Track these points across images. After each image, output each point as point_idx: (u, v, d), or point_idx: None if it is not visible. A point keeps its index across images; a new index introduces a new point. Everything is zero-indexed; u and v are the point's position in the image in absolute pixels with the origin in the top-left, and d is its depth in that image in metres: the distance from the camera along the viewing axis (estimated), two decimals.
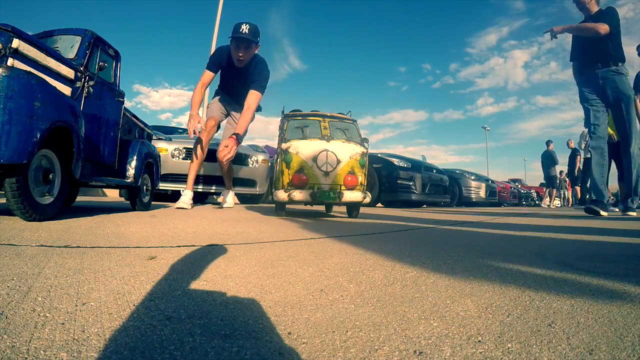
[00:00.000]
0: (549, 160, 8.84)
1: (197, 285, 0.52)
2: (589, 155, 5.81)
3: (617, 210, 3.70)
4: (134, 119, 2.64)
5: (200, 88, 2.83)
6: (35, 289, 0.46)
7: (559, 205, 9.44)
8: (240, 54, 2.61)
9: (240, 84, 2.87)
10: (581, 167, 7.32)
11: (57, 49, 1.74)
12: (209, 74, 2.85)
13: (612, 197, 7.43)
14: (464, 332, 0.37)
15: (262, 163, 3.82)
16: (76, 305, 0.41)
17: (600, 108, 2.92)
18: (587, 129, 2.99)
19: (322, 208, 3.21)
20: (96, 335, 0.33)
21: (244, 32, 2.52)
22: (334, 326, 0.38)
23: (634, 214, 2.87)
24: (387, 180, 4.79)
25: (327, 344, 0.33)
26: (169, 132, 4.38)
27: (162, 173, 3.18)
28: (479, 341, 0.35)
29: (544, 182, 9.46)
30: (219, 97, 3.08)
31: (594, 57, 2.87)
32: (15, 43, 1.33)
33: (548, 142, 9.09)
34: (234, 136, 2.52)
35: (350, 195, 2.00)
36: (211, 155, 3.04)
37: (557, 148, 8.54)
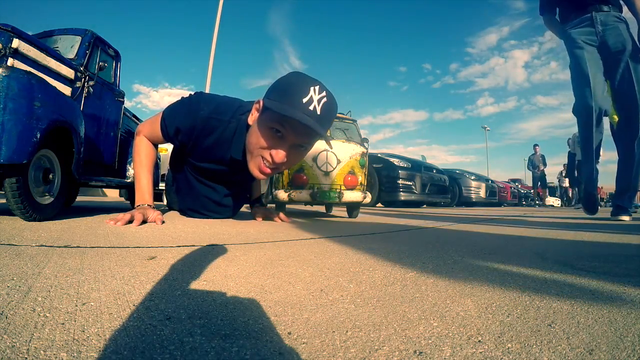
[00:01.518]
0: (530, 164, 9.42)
1: (197, 285, 0.52)
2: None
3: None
4: (134, 119, 2.64)
5: (149, 144, 1.42)
6: (35, 289, 0.46)
7: (559, 205, 9.46)
8: (282, 159, 1.13)
9: (244, 181, 1.59)
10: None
11: (57, 49, 1.74)
12: (160, 136, 1.37)
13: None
14: (464, 332, 0.37)
15: None
16: (76, 305, 0.41)
17: (599, 77, 2.09)
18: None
19: (322, 208, 3.21)
20: (96, 335, 0.33)
21: (313, 109, 1.05)
22: (334, 326, 0.38)
23: (627, 218, 2.16)
24: (387, 180, 4.80)
25: (327, 344, 0.33)
26: None
27: (162, 173, 3.18)
28: (479, 341, 0.34)
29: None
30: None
31: None
32: (15, 43, 1.33)
33: (535, 146, 9.46)
34: (259, 205, 1.78)
35: (350, 195, 2.00)
36: None
37: (555, 148, 8.68)
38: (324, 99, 1.08)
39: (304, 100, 1.05)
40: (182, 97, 1.36)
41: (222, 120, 1.28)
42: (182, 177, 1.58)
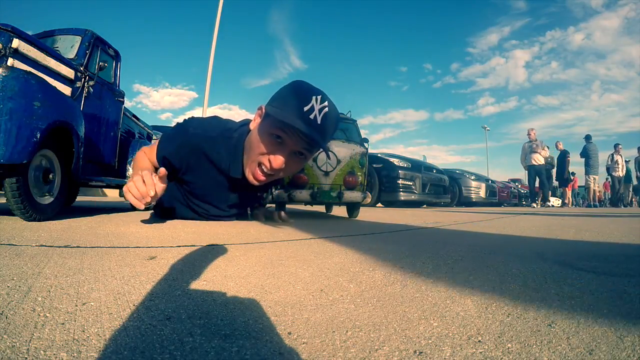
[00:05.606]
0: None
1: (197, 285, 0.52)
2: (533, 163, 6.84)
3: None
4: (134, 119, 2.64)
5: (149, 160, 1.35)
6: (35, 289, 0.46)
7: (559, 205, 9.46)
8: (280, 165, 1.12)
9: (244, 200, 1.51)
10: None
11: (57, 49, 1.74)
12: (152, 160, 1.33)
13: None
14: (464, 332, 0.37)
15: None
16: (76, 305, 0.41)
17: None
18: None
19: (322, 208, 3.21)
20: (96, 335, 0.33)
21: (314, 118, 1.06)
22: (334, 326, 0.38)
23: None
24: (387, 180, 4.80)
25: (327, 344, 0.33)
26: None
27: None
28: (479, 341, 0.34)
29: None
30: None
31: None
32: (15, 43, 1.33)
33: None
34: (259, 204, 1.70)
35: (350, 195, 2.00)
36: None
37: (555, 148, 8.64)
38: (325, 109, 1.08)
39: (305, 108, 1.05)
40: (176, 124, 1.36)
41: (209, 137, 1.24)
42: (177, 191, 1.47)
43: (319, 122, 1.07)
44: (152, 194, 1.06)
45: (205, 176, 1.31)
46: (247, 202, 1.56)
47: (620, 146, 8.67)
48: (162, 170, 1.09)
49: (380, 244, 1.03)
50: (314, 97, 1.07)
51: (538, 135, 7.48)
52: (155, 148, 1.33)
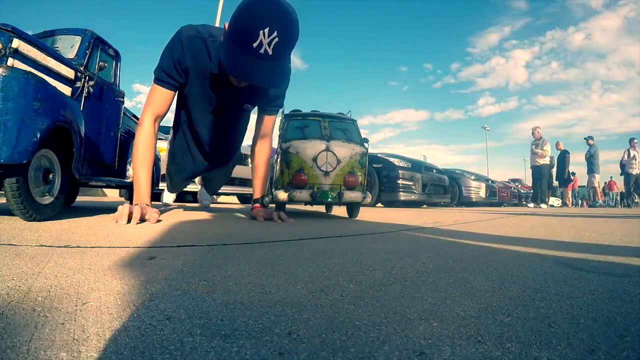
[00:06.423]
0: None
1: (197, 285, 0.52)
2: (533, 164, 6.93)
3: None
4: (134, 119, 2.64)
5: (150, 134, 1.44)
6: (35, 289, 0.46)
7: (559, 205, 9.46)
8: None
9: (232, 111, 1.61)
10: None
11: (57, 49, 1.74)
12: (164, 96, 1.44)
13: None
14: (464, 332, 0.37)
15: None
16: (76, 305, 0.41)
17: None
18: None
19: (322, 208, 3.21)
20: (96, 335, 0.33)
21: (264, 52, 1.12)
22: (334, 326, 0.38)
23: None
24: (387, 180, 4.80)
25: (327, 344, 0.33)
26: (168, 132, 4.37)
27: (162, 173, 3.18)
28: (479, 341, 0.34)
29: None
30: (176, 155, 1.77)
31: None
32: (15, 43, 1.33)
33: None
34: (259, 204, 1.75)
35: (350, 195, 2.00)
36: None
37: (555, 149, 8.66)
38: (275, 40, 1.12)
39: (254, 45, 1.12)
40: None
41: (200, 36, 1.41)
42: (179, 140, 1.74)
43: (270, 53, 1.13)
44: (123, 223, 1.23)
45: (198, 80, 1.46)
46: (235, 111, 1.64)
47: (635, 140, 7.98)
48: (155, 218, 1.30)
49: (380, 244, 1.03)
50: (261, 32, 1.10)
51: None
52: (154, 89, 1.46)
